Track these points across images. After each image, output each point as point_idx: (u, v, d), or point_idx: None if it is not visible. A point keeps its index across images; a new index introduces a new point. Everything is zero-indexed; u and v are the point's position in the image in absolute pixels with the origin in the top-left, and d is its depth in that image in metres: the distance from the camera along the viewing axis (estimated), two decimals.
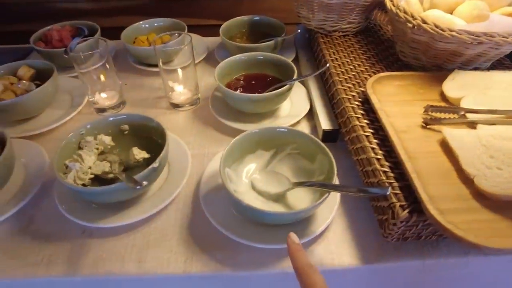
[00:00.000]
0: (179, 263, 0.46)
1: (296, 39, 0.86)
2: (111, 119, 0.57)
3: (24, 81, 0.68)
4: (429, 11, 0.60)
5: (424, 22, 0.56)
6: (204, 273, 0.45)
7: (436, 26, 0.54)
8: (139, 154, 0.54)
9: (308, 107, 0.67)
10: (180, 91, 0.72)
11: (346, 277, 0.47)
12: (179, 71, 0.69)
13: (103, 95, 0.71)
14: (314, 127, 0.66)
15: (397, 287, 0.49)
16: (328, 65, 0.62)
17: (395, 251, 0.46)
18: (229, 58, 0.70)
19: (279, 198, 0.51)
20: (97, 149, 0.55)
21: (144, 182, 0.44)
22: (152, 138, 0.57)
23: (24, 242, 0.49)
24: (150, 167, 0.48)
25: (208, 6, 1.12)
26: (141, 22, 0.87)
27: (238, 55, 0.71)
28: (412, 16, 0.57)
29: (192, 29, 0.88)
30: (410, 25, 0.58)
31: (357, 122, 0.54)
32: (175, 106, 0.72)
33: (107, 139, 0.56)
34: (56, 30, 0.82)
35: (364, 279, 0.48)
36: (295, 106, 0.69)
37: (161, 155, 0.50)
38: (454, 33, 0.53)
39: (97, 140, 0.55)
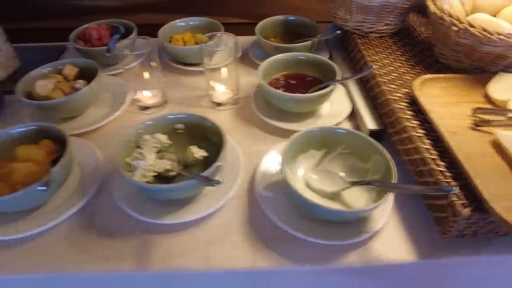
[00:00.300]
0: (247, 258, 0.48)
1: (329, 39, 0.88)
2: (169, 118, 0.58)
3: (80, 81, 0.69)
4: (474, 15, 0.62)
5: (471, 25, 0.58)
6: (272, 268, 0.47)
7: (484, 30, 0.56)
8: (198, 152, 0.55)
9: (350, 107, 0.69)
10: (223, 91, 0.73)
11: (404, 273, 0.49)
12: (223, 70, 0.70)
13: (147, 93, 0.72)
14: (356, 127, 0.68)
15: (453, 281, 0.51)
16: (375, 67, 0.63)
17: (450, 247, 0.49)
18: (271, 58, 0.71)
19: (334, 196, 0.53)
20: (155, 147, 0.56)
21: (221, 180, 0.45)
22: (206, 137, 0.59)
23: (90, 238, 0.51)
24: (215, 164, 0.49)
25: (230, 4, 1.13)
26: (177, 21, 0.88)
27: (280, 55, 0.72)
28: (458, 20, 0.59)
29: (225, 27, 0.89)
30: (456, 28, 0.59)
31: (408, 123, 0.56)
32: (217, 105, 0.74)
33: (163, 138, 0.57)
34: (95, 29, 0.83)
35: (420, 274, 0.50)
36: (335, 106, 0.71)
37: (223, 153, 0.51)
38: (502, 37, 0.55)
39: (155, 139, 0.56)
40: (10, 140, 0.57)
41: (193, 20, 0.89)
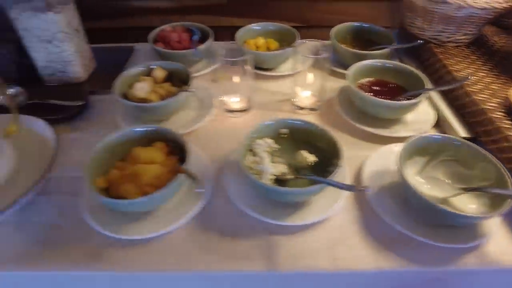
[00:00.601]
0: (370, 259, 0.50)
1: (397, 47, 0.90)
2: (275, 122, 0.61)
3: (165, 84, 0.71)
4: None
5: None
6: (394, 269, 0.50)
7: None
8: (310, 157, 0.57)
9: (435, 115, 0.71)
10: (307, 96, 0.75)
11: None
12: (309, 76, 0.72)
13: (234, 97, 0.74)
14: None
15: None
16: (469, 77, 0.66)
17: None
18: (360, 63, 0.74)
19: (444, 201, 0.55)
20: (267, 151, 0.58)
21: (367, 185, 0.47)
22: (309, 141, 0.61)
23: (214, 238, 0.53)
24: (337, 168, 0.51)
25: (279, 7, 1.14)
26: (252, 25, 0.90)
27: (369, 61, 0.74)
28: None
29: None
30: None
31: (510, 132, 0.58)
32: (301, 109, 0.76)
33: (271, 142, 0.60)
34: (174, 31, 0.85)
35: None
36: (419, 113, 0.73)
37: (340, 157, 0.53)
38: None
39: (266, 143, 0.58)
40: (125, 141, 0.58)
41: (268, 25, 0.91)
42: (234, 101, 0.75)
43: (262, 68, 0.86)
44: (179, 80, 0.74)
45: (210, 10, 1.15)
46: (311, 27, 1.16)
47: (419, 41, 0.79)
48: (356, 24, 0.90)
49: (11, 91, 0.75)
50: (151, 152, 0.55)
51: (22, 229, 0.55)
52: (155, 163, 0.54)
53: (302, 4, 1.14)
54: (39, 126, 0.65)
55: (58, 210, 0.57)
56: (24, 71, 0.81)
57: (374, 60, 0.75)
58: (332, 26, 1.13)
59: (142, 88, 0.68)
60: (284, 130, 0.62)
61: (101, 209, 0.54)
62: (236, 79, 0.72)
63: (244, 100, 0.75)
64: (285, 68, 0.87)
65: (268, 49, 0.87)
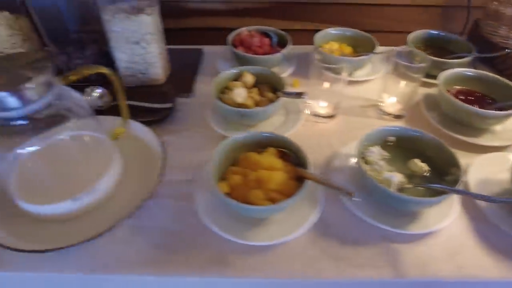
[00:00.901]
0: (493, 268, 0.51)
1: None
2: (384, 130, 0.61)
3: (254, 89, 0.71)
4: None
5: None
6: None
7: None
8: (424, 166, 0.58)
9: None
10: (393, 102, 0.76)
11: None
12: (395, 82, 0.73)
13: (323, 103, 0.74)
14: None
15: None
16: None
17: None
18: (450, 71, 0.75)
19: None
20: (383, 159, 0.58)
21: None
22: (417, 150, 0.61)
23: (335, 245, 0.53)
24: (460, 178, 0.52)
25: (330, 11, 1.13)
26: (330, 29, 0.90)
27: (460, 69, 0.75)
28: None
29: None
30: None
31: None
32: (387, 115, 0.76)
33: (379, 149, 0.60)
34: (254, 36, 0.85)
35: None
36: (507, 123, 0.73)
37: (459, 167, 0.54)
38: None
39: (378, 151, 0.59)
40: (237, 146, 0.58)
41: (345, 31, 0.92)
42: (322, 106, 0.75)
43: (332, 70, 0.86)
44: (266, 85, 0.74)
45: (263, 12, 1.15)
46: (364, 32, 1.16)
47: (507, 50, 0.79)
48: (433, 32, 0.90)
49: (98, 91, 0.75)
50: (270, 158, 0.56)
51: (138, 234, 0.55)
52: (277, 169, 0.54)
53: (353, 8, 1.14)
54: (139, 128, 0.66)
55: (172, 215, 0.57)
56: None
57: (464, 69, 0.75)
58: (385, 32, 1.15)
59: (239, 94, 0.68)
60: (392, 138, 0.62)
61: (221, 214, 0.54)
62: (326, 84, 0.72)
63: (331, 105, 0.75)
64: (361, 74, 0.88)
65: (343, 54, 0.88)
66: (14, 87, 0.42)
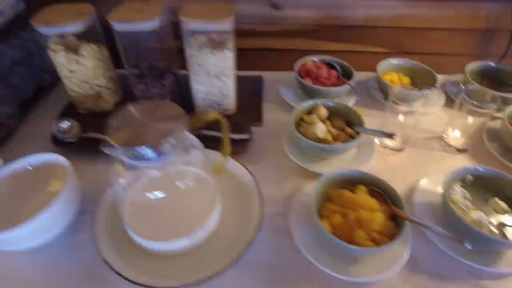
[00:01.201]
0: None
1: None
2: (469, 169, 0.65)
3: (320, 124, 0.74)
4: None
5: None
6: None
7: None
8: (504, 205, 0.62)
9: None
10: (457, 136, 0.79)
11: None
12: (458, 114, 0.76)
13: (395, 136, 0.78)
14: None
15: None
16: None
17: None
18: None
19: None
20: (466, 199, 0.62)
21: None
22: (494, 189, 0.65)
23: (429, 284, 0.57)
24: None
25: (375, 34, 1.16)
26: (392, 60, 0.94)
27: None
28: None
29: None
30: None
31: None
32: (451, 147, 0.80)
33: (460, 188, 0.64)
34: (322, 67, 0.88)
35: None
36: None
37: None
38: None
39: (460, 190, 0.63)
40: (330, 182, 0.62)
41: (406, 62, 0.96)
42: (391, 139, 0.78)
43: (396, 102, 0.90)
44: (339, 118, 0.78)
45: (304, 33, 1.18)
46: (407, 54, 1.20)
47: None
48: (491, 64, 0.94)
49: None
50: (366, 198, 0.59)
51: (244, 268, 0.57)
52: (376, 210, 0.58)
53: (397, 31, 1.18)
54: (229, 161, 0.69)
55: (273, 248, 0.60)
56: (178, 101, 0.85)
57: None
58: (428, 54, 1.19)
59: (320, 129, 0.71)
60: (470, 177, 0.66)
61: (319, 249, 0.58)
62: (393, 116, 0.76)
63: (400, 138, 0.79)
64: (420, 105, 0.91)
65: (403, 85, 0.91)
66: (155, 143, 0.46)
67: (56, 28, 0.72)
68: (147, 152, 0.46)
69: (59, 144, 0.76)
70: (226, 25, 0.72)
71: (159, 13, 0.74)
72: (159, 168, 0.53)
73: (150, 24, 0.72)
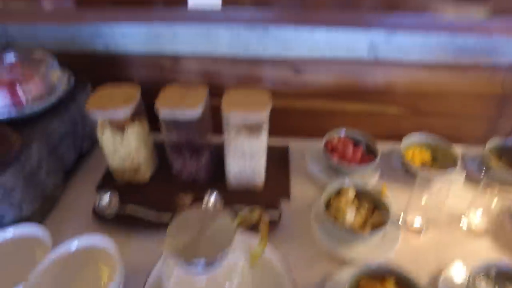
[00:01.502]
0: None
1: None
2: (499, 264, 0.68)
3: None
4: None
5: None
6: None
7: None
8: None
9: None
10: (479, 216, 0.83)
11: None
12: (491, 199, 0.80)
13: (417, 216, 0.82)
14: None
15: None
16: None
17: None
18: None
19: None
20: None
21: None
22: None
23: None
24: None
25: (395, 96, 1.16)
26: (415, 137, 0.99)
27: None
28: None
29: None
30: None
31: None
32: (472, 228, 0.83)
33: (485, 281, 0.67)
34: (347, 144, 0.93)
35: None
36: None
37: None
38: None
39: (485, 285, 0.66)
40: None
41: (428, 139, 1.00)
42: (415, 220, 0.82)
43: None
44: (365, 200, 0.82)
45: (323, 96, 1.23)
46: (422, 116, 1.23)
47: None
48: (510, 141, 0.97)
49: (212, 198, 0.83)
50: None
51: None
52: None
53: (415, 94, 1.21)
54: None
55: None
56: (212, 176, 0.91)
57: None
58: (442, 115, 1.21)
59: (350, 215, 0.75)
60: (493, 272, 0.69)
61: None
62: (417, 197, 0.80)
63: (423, 219, 0.82)
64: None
65: (424, 162, 0.96)
66: (208, 258, 0.50)
67: (107, 113, 0.78)
68: (200, 263, 0.50)
69: (99, 218, 0.81)
70: (264, 115, 0.77)
71: (203, 99, 0.79)
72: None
73: (194, 112, 0.77)
